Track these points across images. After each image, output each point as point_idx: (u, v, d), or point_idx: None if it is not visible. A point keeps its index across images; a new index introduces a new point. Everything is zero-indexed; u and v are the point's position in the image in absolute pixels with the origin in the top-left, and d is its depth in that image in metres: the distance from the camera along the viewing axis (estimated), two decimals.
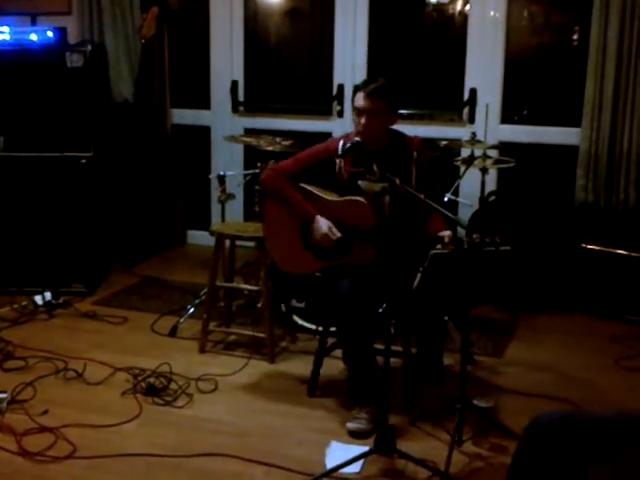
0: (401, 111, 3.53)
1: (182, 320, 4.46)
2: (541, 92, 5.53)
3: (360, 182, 3.14)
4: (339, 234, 3.38)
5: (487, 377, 3.90)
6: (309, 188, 3.51)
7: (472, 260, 3.05)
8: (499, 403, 3.57)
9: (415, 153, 3.46)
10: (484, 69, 5.28)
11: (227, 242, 4.31)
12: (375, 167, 3.13)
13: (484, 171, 4.69)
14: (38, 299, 4.70)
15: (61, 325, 4.51)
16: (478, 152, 4.64)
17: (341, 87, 5.62)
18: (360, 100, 3.35)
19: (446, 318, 3.75)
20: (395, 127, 3.50)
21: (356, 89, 3.43)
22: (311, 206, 3.45)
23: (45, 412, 3.42)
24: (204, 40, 5.96)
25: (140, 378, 3.74)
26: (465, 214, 4.86)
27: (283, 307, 4.35)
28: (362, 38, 5.52)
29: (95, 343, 4.23)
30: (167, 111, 5.90)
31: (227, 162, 5.80)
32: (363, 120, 3.34)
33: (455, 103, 5.41)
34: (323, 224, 3.39)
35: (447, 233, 3.19)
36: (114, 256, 5.53)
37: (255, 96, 5.97)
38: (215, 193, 4.76)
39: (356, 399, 3.44)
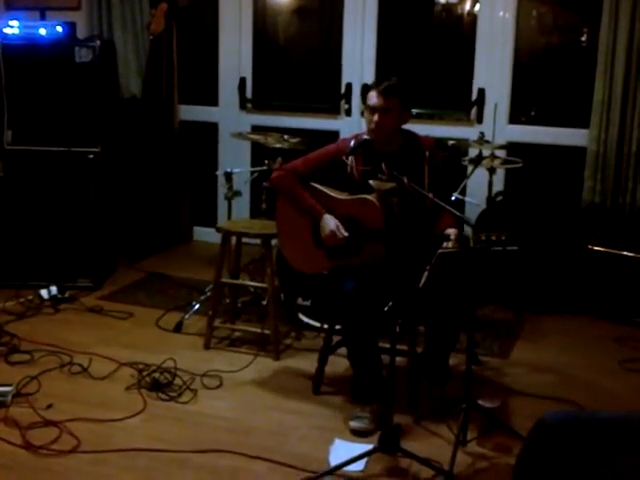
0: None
1: (187, 316, 4.47)
2: (549, 93, 5.52)
3: (371, 181, 3.14)
4: (346, 233, 3.37)
5: (492, 377, 3.89)
6: (320, 187, 3.51)
7: (479, 260, 3.04)
8: (504, 404, 3.57)
9: (427, 153, 3.45)
10: (493, 69, 5.27)
11: (233, 239, 4.31)
12: (384, 165, 3.12)
13: (492, 171, 4.69)
14: (44, 293, 4.71)
15: (67, 319, 4.52)
16: (486, 152, 4.63)
17: (349, 86, 5.62)
18: (373, 98, 3.35)
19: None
20: (405, 126, 3.50)
21: (367, 88, 3.43)
22: (320, 205, 3.45)
23: (50, 406, 3.42)
24: (213, 37, 5.97)
25: (145, 373, 3.74)
26: (472, 214, 4.85)
27: (282, 296, 4.35)
28: (371, 37, 5.52)
29: (100, 338, 4.24)
30: (175, 107, 5.90)
31: (234, 159, 5.80)
32: (376, 118, 3.34)
33: (463, 103, 5.41)
34: (330, 222, 3.39)
35: (453, 231, 3.19)
36: (120, 252, 5.54)
37: (263, 93, 5.97)
38: (222, 190, 4.75)
39: (359, 397, 3.44)
